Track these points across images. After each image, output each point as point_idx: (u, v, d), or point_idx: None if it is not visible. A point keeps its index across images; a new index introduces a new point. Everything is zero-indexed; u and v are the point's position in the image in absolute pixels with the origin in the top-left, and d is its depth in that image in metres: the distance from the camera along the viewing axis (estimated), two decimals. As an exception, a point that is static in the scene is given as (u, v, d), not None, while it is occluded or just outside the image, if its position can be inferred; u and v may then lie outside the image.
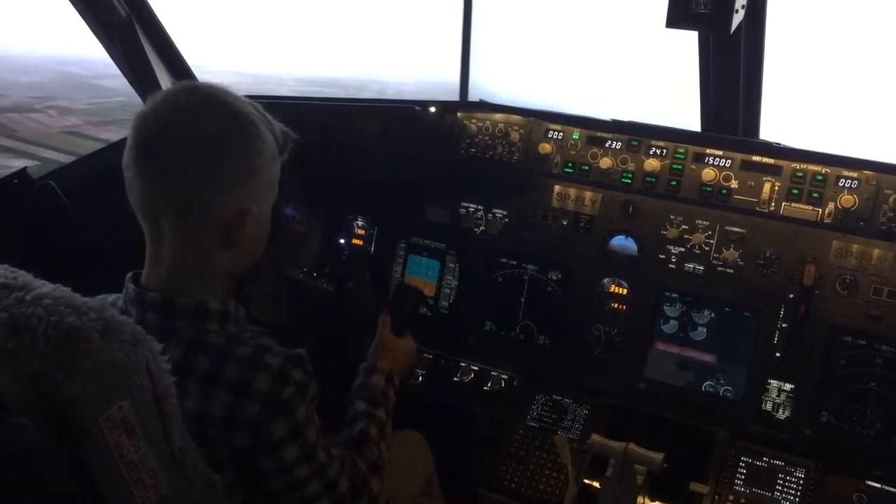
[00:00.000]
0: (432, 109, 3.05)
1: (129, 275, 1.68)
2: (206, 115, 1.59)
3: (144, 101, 2.93)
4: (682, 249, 2.84)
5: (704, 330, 2.81)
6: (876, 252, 2.61)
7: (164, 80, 2.83)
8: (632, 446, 2.25)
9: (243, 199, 1.63)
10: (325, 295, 3.10)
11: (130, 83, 2.81)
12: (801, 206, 2.67)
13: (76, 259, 2.10)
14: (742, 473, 2.65)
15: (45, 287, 1.36)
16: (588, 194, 2.95)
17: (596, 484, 2.57)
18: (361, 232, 3.30)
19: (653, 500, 2.46)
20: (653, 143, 2.86)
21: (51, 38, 20.77)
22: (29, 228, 2.53)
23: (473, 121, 3.06)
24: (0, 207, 2.49)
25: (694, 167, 2.81)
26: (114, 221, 2.77)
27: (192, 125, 1.57)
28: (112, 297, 1.72)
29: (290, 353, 1.63)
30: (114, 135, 13.09)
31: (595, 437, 2.31)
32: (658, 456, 2.21)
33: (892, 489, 2.53)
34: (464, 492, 2.82)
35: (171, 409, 1.42)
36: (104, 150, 2.92)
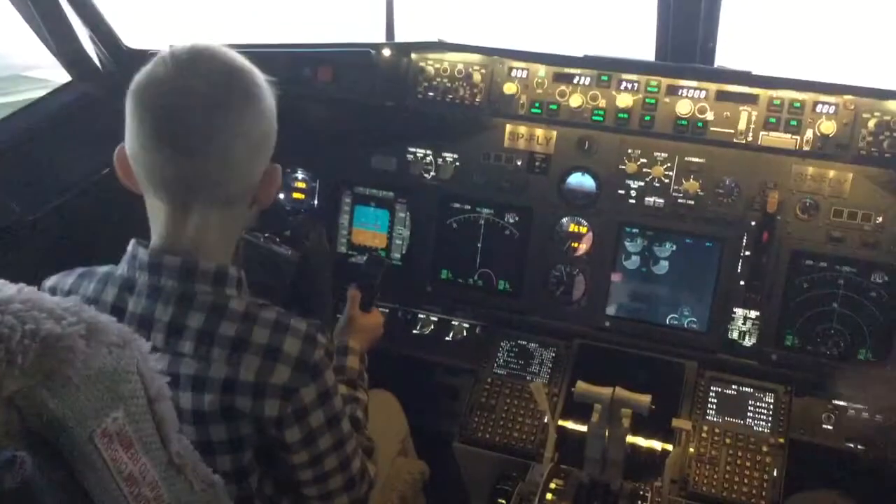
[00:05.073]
0: (387, 52, 2.82)
1: (132, 241, 1.58)
2: (223, 81, 1.49)
3: (61, 60, 2.64)
4: (642, 183, 2.78)
5: (667, 263, 2.79)
6: (832, 174, 2.62)
7: (82, 33, 2.53)
8: (619, 391, 2.21)
9: (267, 158, 1.62)
10: (288, 263, 2.92)
11: (43, 41, 2.50)
12: (780, 134, 2.61)
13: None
14: (713, 403, 2.68)
15: (7, 288, 1.17)
16: (540, 132, 2.84)
17: (576, 427, 2.58)
18: (302, 185, 3.11)
19: (635, 437, 2.47)
20: (624, 77, 2.71)
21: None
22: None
23: (430, 62, 2.84)
24: None
25: (668, 100, 2.68)
26: (42, 190, 2.53)
27: (211, 93, 1.47)
28: (102, 269, 1.62)
29: (311, 320, 1.61)
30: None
31: (580, 385, 2.26)
32: (646, 398, 2.18)
33: (858, 406, 2.62)
34: (439, 446, 2.75)
35: (167, 412, 1.27)
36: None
